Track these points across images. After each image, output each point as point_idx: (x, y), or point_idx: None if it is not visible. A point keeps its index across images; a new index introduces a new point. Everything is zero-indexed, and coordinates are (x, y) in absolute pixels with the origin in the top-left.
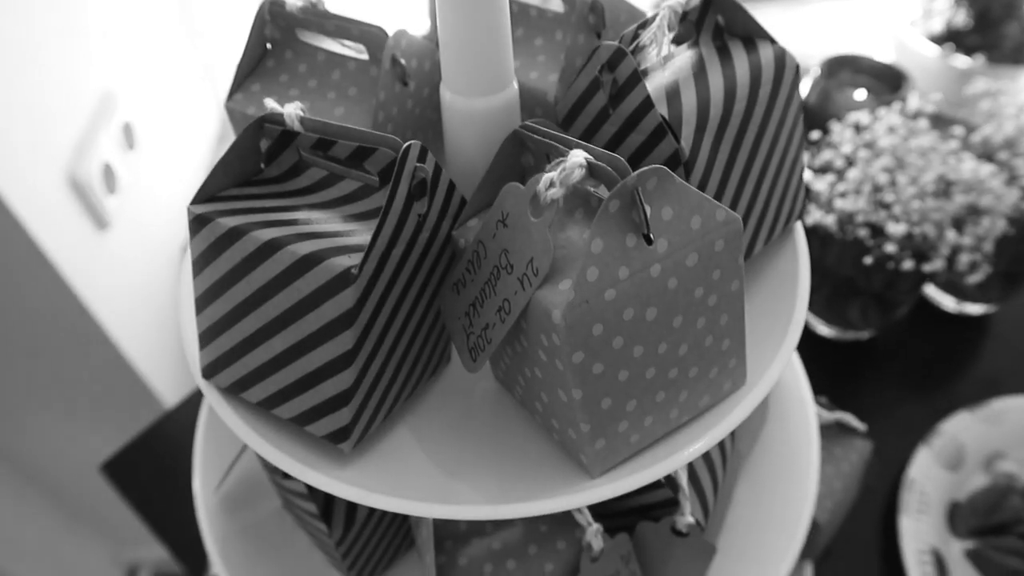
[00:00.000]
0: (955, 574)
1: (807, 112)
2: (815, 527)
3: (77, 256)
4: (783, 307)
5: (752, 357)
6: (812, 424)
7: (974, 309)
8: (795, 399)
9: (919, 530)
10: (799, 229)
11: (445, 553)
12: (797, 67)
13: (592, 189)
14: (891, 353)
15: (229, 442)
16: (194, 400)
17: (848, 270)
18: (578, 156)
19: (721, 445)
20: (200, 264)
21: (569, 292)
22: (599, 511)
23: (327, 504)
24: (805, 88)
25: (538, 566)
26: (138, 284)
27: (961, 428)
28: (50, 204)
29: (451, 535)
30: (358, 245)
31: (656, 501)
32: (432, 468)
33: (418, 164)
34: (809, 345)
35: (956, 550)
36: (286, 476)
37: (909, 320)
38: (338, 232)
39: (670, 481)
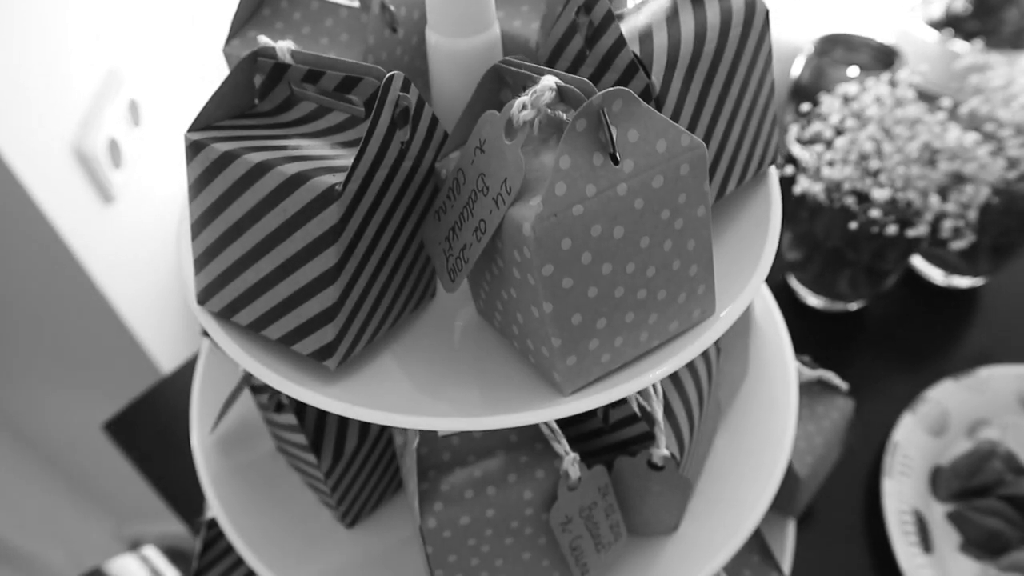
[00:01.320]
0: (936, 535)
1: (800, 89)
2: (796, 481)
3: (83, 228)
4: (754, 245)
5: (723, 290)
6: (791, 375)
7: (962, 282)
8: (775, 353)
9: (901, 492)
10: (772, 174)
11: (428, 481)
12: (767, 12)
13: (564, 116)
14: (879, 324)
15: (225, 388)
16: (192, 366)
17: (836, 240)
18: (548, 80)
19: (697, 385)
20: (195, 189)
21: (538, 206)
22: (579, 450)
23: (316, 437)
24: (799, 66)
25: (517, 493)
26: (141, 258)
27: (946, 395)
28: (57, 176)
29: (434, 465)
30: (343, 167)
31: (633, 436)
32: (414, 389)
33: (401, 93)
34: (798, 315)
35: (938, 513)
36: (278, 408)
37: (898, 293)
38: (325, 156)
39: (646, 416)
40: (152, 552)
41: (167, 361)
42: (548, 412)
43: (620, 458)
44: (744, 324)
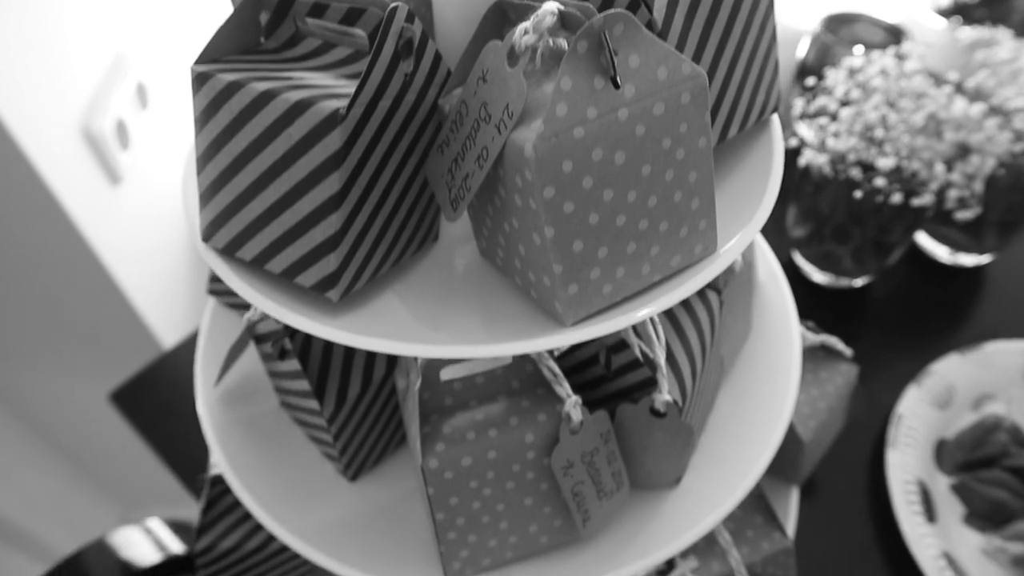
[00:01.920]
0: (940, 506)
1: (806, 70)
2: (799, 445)
3: (91, 208)
4: (756, 187)
5: (725, 229)
6: (794, 335)
7: (968, 260)
8: (779, 314)
9: (905, 462)
10: (774, 122)
11: (430, 424)
12: None
13: (566, 44)
14: (884, 302)
15: (229, 343)
16: (195, 340)
17: (841, 214)
18: (550, 4)
19: (700, 335)
20: (202, 121)
21: (540, 126)
22: (582, 399)
23: (319, 383)
24: (804, 46)
25: (519, 435)
26: (148, 239)
27: (952, 369)
28: (66, 156)
29: (436, 410)
30: (347, 94)
31: (636, 382)
32: (416, 322)
33: (405, 24)
34: (803, 292)
35: (942, 484)
36: (282, 355)
37: (903, 271)
38: (330, 86)
39: (648, 362)
40: (156, 523)
41: (172, 341)
42: (550, 340)
43: (623, 405)
44: (747, 280)
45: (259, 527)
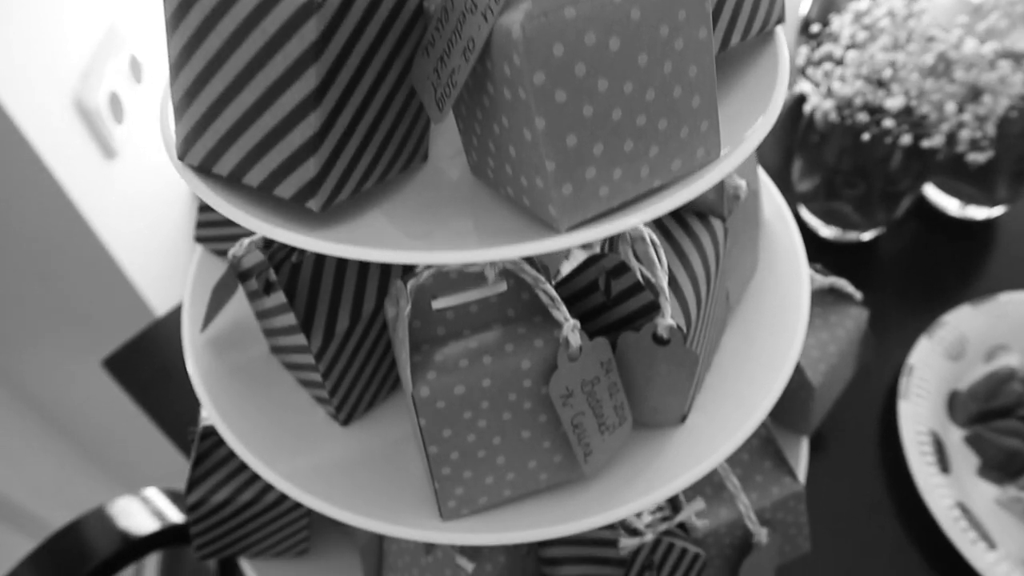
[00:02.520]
0: (954, 458)
1: (809, 23)
2: (809, 391)
3: (86, 182)
4: (761, 95)
5: (728, 135)
6: (803, 271)
7: (979, 213)
8: (786, 251)
9: (917, 414)
10: (779, 33)
11: (421, 353)
12: None
13: None
14: (893, 256)
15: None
16: None
17: (848, 163)
18: None
19: (704, 263)
20: (173, 24)
21: (528, 6)
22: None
23: (307, 317)
24: (808, 2)
25: (515, 362)
26: (144, 214)
27: (964, 320)
28: (59, 129)
29: (428, 339)
30: None
31: (638, 308)
32: (403, 235)
33: None
34: (810, 247)
35: (955, 436)
36: (267, 290)
37: (911, 224)
38: None
39: (650, 286)
40: (154, 493)
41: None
42: (544, 245)
43: (624, 334)
44: (753, 212)
45: (252, 480)
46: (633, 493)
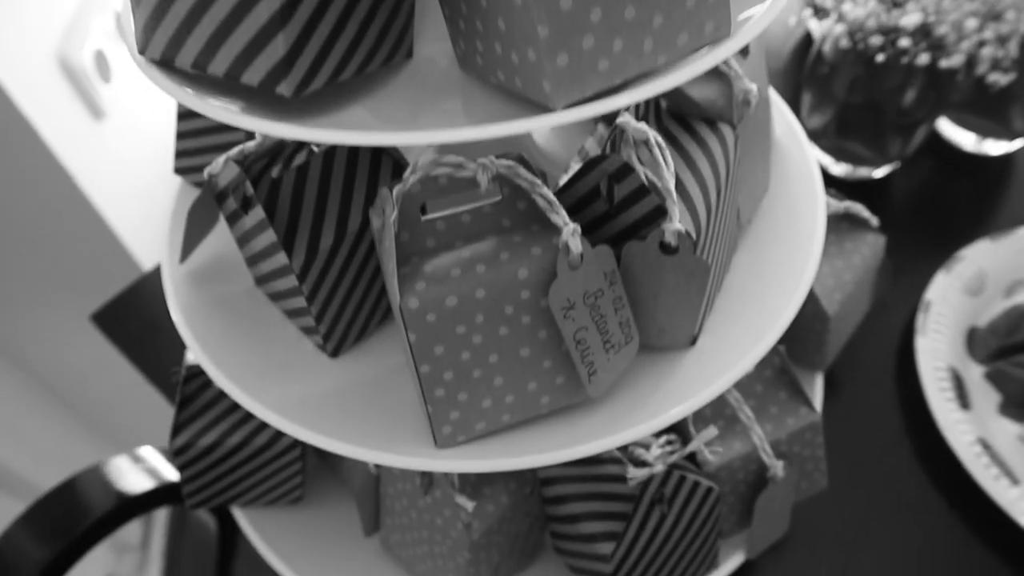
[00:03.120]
0: (974, 395)
1: None
2: (825, 320)
3: (74, 143)
4: None
5: (738, 13)
6: (817, 187)
7: (995, 148)
8: (800, 169)
9: (936, 349)
10: None
11: (410, 265)
12: None
13: None
14: (906, 193)
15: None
16: None
17: (859, 95)
18: None
19: (714, 169)
20: None
21: None
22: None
23: (288, 234)
24: None
25: (511, 271)
26: (135, 176)
27: (982, 254)
28: (44, 88)
29: (417, 252)
30: None
31: (643, 215)
32: (386, 123)
33: None
34: None
35: (975, 374)
36: (245, 206)
37: (925, 161)
38: None
39: (655, 190)
40: (148, 451)
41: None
42: (538, 121)
43: (629, 243)
44: (764, 122)
45: (241, 422)
46: (641, 416)
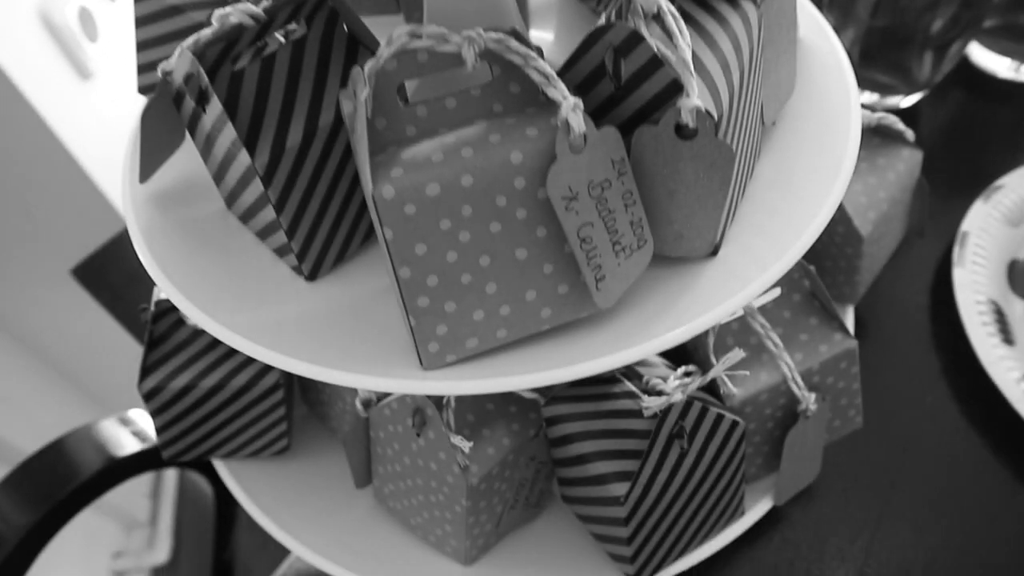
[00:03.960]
0: (1018, 331)
1: None
2: (858, 242)
3: (61, 104)
4: None
5: None
6: (850, 86)
7: None
8: (830, 67)
9: (975, 282)
10: None
11: (387, 154)
12: None
13: None
14: (935, 123)
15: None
16: None
17: (884, 18)
18: None
19: (736, 47)
20: None
21: None
22: None
23: (252, 129)
24: None
25: (502, 154)
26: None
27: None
28: (26, 45)
29: (395, 140)
30: None
31: (656, 93)
32: None
33: None
34: None
35: (1019, 309)
36: (202, 102)
37: (957, 91)
38: None
39: (669, 64)
40: (137, 414)
41: None
42: None
43: (640, 128)
44: (789, 11)
45: (217, 362)
46: (658, 329)
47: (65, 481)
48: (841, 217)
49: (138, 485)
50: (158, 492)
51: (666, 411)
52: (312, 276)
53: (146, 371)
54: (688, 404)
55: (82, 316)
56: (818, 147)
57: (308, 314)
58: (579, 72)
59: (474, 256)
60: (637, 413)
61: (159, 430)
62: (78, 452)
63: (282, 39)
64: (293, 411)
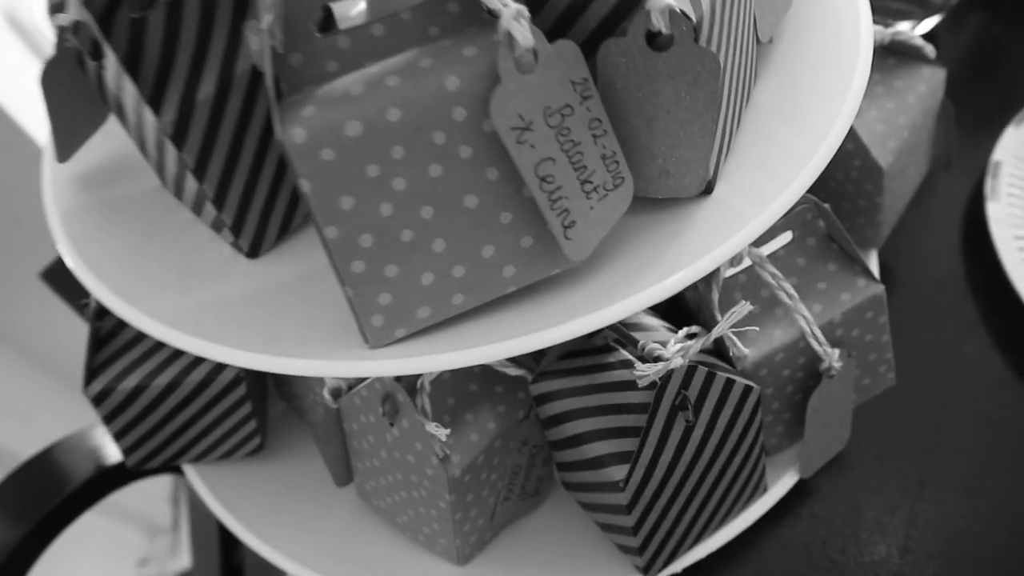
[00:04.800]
0: None
1: None
2: (878, 175)
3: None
4: None
5: None
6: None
7: None
8: None
9: (1012, 216)
10: None
11: (301, 92)
12: None
13: None
14: (955, 50)
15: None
16: None
17: None
18: None
19: None
20: None
21: None
22: None
23: (157, 84)
24: None
25: (435, 81)
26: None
27: None
28: None
29: (314, 78)
30: None
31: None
32: None
33: None
34: None
35: None
36: (95, 55)
37: (974, 15)
38: None
39: None
40: None
41: None
42: None
43: (606, 43)
44: None
45: (171, 358)
46: (644, 282)
47: (55, 492)
48: (857, 149)
49: (158, 490)
50: (177, 497)
51: (665, 379)
52: (253, 252)
53: (92, 373)
54: (691, 370)
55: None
56: (823, 64)
57: (248, 295)
58: None
59: (414, 207)
60: (636, 384)
61: (116, 436)
62: (68, 461)
63: None
64: (265, 406)
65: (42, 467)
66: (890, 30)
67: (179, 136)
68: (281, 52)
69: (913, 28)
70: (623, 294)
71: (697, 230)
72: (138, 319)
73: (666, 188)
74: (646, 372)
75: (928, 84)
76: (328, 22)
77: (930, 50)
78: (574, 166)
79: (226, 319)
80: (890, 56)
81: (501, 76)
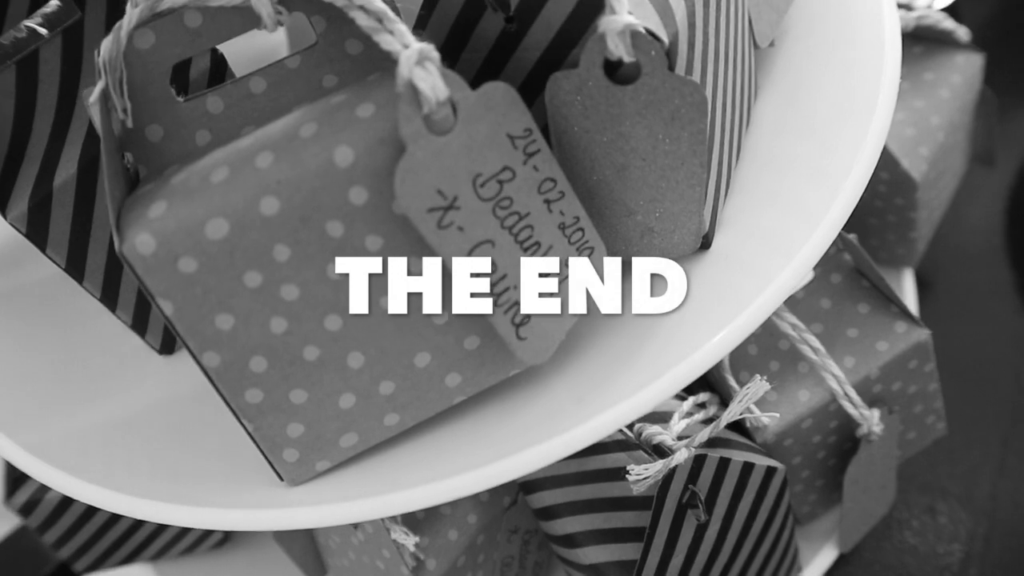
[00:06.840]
0: None
1: None
2: (910, 187)
3: None
4: None
5: None
6: None
7: None
8: None
9: None
10: None
11: (154, 182)
12: None
13: None
14: (983, 24)
15: None
16: None
17: None
18: None
19: None
20: None
21: None
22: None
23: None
24: None
25: (319, 155)
26: None
27: None
28: None
29: (180, 155)
30: None
31: (569, 13)
32: None
33: None
34: None
35: None
36: None
37: None
38: None
39: None
40: None
41: None
42: None
43: (554, 77)
44: None
45: None
46: (626, 387)
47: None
48: (884, 160)
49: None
50: None
51: (668, 477)
52: (166, 349)
53: (14, 483)
54: (700, 459)
55: None
56: (840, 69)
57: (152, 409)
58: (447, 8)
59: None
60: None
61: (54, 546)
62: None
63: (41, 29)
64: None
65: (18, 545)
66: (914, 14)
67: (36, 231)
68: (132, 127)
69: (931, 3)
70: (599, 405)
71: (699, 300)
72: (7, 449)
73: (651, 248)
74: (642, 475)
75: (963, 74)
76: (218, 73)
77: (963, 32)
78: (522, 245)
79: (113, 448)
80: (915, 44)
81: (406, 142)
